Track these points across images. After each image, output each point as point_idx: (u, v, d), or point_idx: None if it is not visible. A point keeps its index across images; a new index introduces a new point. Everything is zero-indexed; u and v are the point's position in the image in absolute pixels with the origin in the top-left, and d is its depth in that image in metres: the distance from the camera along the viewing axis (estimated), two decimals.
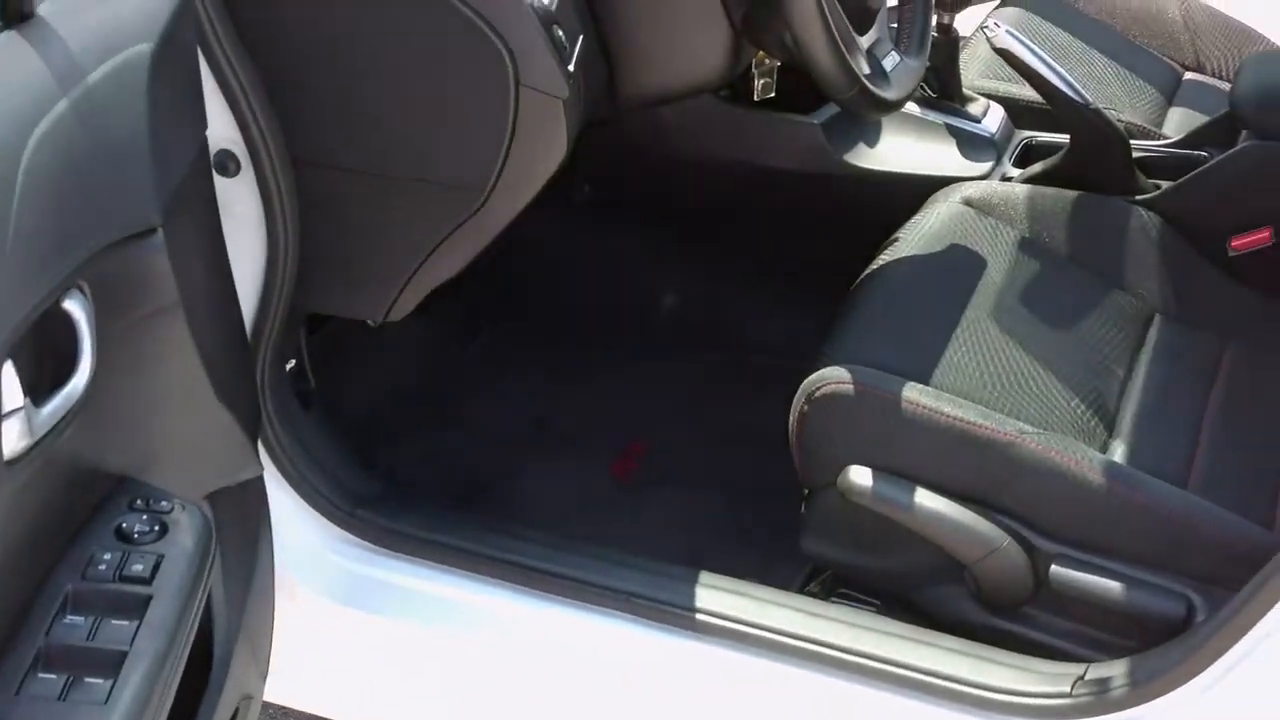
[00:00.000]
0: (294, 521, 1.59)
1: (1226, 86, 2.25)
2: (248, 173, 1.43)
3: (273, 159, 1.42)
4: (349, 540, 1.61)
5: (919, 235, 1.72)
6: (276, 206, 1.45)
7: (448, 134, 1.44)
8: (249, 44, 1.38)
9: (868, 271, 1.69)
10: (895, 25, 1.77)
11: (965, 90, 2.07)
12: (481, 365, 2.22)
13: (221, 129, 1.39)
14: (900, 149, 1.99)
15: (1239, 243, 1.75)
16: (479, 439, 2.07)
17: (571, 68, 1.45)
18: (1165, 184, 1.85)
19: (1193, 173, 1.80)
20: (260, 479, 1.38)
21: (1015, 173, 1.96)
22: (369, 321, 1.65)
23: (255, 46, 1.39)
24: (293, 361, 1.63)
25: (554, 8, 1.44)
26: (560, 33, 1.43)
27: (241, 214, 1.45)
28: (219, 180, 1.40)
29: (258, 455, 1.38)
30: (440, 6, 1.35)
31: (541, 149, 1.45)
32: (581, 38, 1.52)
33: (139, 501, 1.08)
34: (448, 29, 1.36)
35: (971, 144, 1.99)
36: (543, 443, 2.06)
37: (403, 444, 2.00)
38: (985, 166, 1.96)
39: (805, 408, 1.49)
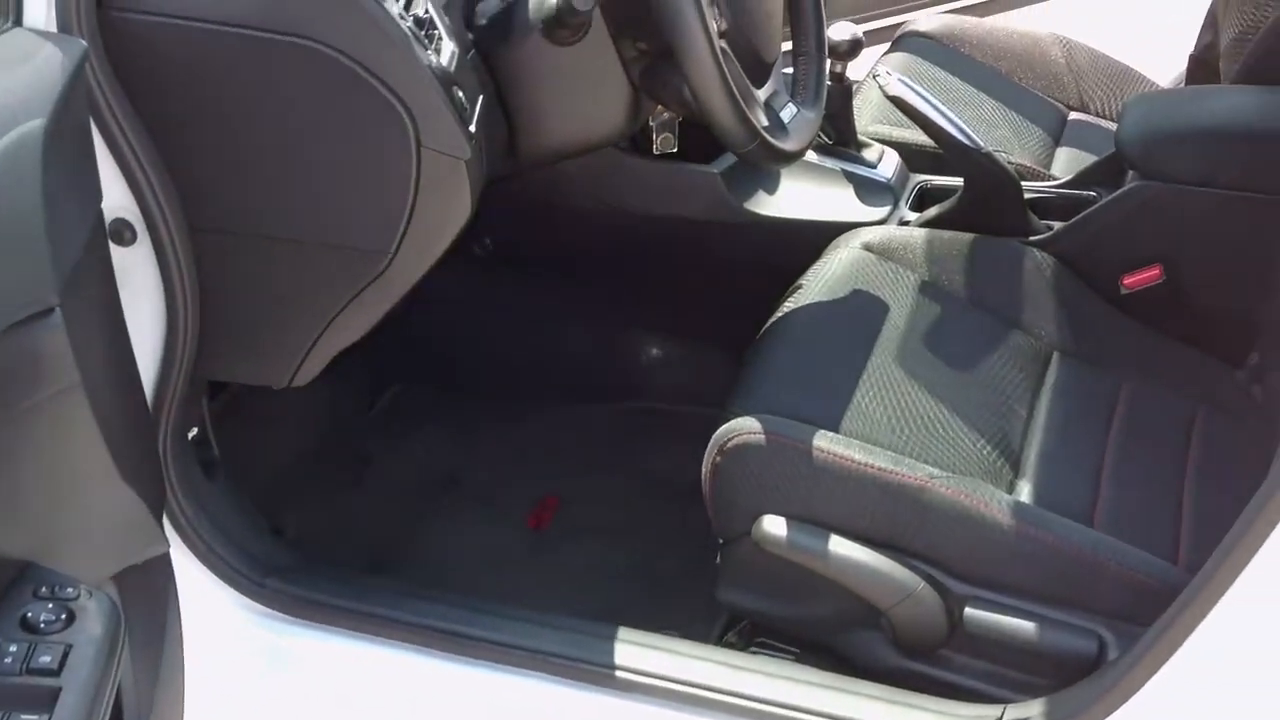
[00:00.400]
0: (203, 594, 1.56)
1: (1109, 125, 2.31)
2: (144, 241, 1.40)
3: (170, 226, 1.40)
4: (260, 611, 1.58)
5: (822, 281, 1.74)
6: (175, 274, 1.42)
7: (350, 198, 1.42)
8: (142, 112, 1.36)
9: (773, 320, 1.70)
10: (790, 69, 1.80)
11: (860, 136, 2.10)
12: (389, 423, 2.20)
13: (116, 197, 1.37)
14: (799, 196, 2.02)
15: (1130, 281, 1.79)
16: (390, 498, 2.05)
17: (472, 128, 1.45)
18: (1057, 224, 1.89)
19: (1083, 214, 1.85)
20: (166, 555, 1.35)
21: (912, 216, 1.99)
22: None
23: (148, 114, 1.37)
24: (195, 430, 1.60)
25: (453, 68, 1.44)
26: (460, 93, 1.43)
27: (139, 283, 1.42)
28: (115, 249, 1.38)
29: (163, 531, 1.35)
30: (339, 70, 1.34)
31: (446, 210, 1.44)
32: (481, 97, 1.53)
33: (44, 589, 1.05)
34: (347, 93, 1.35)
35: (868, 189, 2.03)
36: (455, 500, 2.05)
37: (312, 507, 1.97)
38: (883, 211, 1.99)
39: (718, 459, 1.50)
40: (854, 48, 2.00)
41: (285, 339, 1.52)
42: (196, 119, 1.39)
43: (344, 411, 2.17)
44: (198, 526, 1.55)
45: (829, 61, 1.89)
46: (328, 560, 1.80)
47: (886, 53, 2.46)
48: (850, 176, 2.04)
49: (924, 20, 2.51)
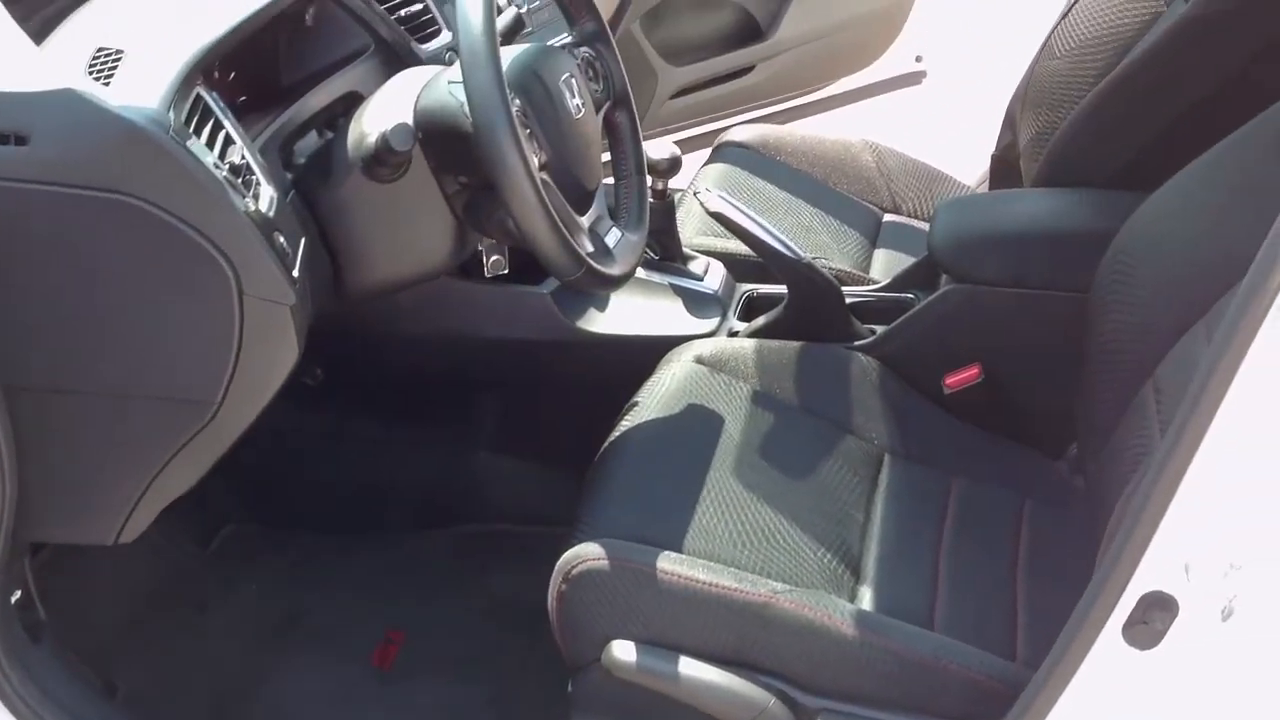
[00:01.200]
0: None
1: (922, 225, 2.40)
2: None
3: None
4: None
5: (656, 398, 1.75)
6: None
7: (172, 349, 1.40)
8: None
9: (610, 439, 1.71)
10: (610, 178, 1.82)
11: (685, 249, 2.14)
12: (225, 564, 2.13)
13: None
14: (630, 312, 2.04)
15: (952, 380, 1.85)
16: (228, 643, 1.98)
17: (296, 272, 1.44)
18: (880, 328, 1.95)
19: (902, 317, 1.91)
20: None
21: (741, 326, 2.03)
22: None
23: None
24: (18, 593, 1.53)
25: (272, 213, 1.43)
26: (281, 239, 1.42)
27: None
28: None
29: None
30: (153, 223, 1.32)
31: (272, 356, 1.43)
32: (304, 239, 1.52)
33: None
34: (163, 245, 1.33)
35: (697, 301, 2.06)
36: (297, 640, 1.99)
37: (147, 660, 1.89)
38: (712, 323, 2.02)
39: (563, 587, 1.49)
40: (673, 165, 2.03)
41: (110, 495, 1.48)
42: (6, 278, 1.35)
43: (176, 555, 2.10)
44: (25, 695, 1.48)
45: (650, 180, 1.93)
46: (166, 717, 1.74)
47: (706, 164, 2.51)
48: (679, 290, 2.07)
49: (739, 130, 2.58)
